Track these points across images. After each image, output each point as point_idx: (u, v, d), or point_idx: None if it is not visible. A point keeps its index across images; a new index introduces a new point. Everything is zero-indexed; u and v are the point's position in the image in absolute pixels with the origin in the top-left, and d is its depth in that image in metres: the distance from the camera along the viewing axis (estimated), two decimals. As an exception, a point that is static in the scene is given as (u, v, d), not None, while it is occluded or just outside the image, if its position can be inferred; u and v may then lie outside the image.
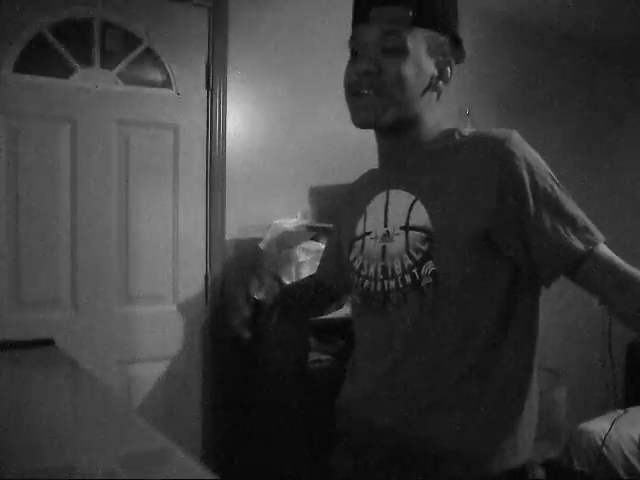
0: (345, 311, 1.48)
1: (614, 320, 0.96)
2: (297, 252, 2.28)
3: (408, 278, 0.99)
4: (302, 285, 1.41)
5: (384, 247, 1.04)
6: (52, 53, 2.21)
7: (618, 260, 0.93)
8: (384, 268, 1.03)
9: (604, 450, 2.46)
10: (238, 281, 1.12)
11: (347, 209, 1.21)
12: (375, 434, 1.05)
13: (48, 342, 1.87)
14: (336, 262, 1.25)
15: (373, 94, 0.99)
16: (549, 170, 0.97)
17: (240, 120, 2.55)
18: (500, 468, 0.97)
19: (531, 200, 0.93)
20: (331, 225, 1.44)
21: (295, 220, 2.47)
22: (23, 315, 2.18)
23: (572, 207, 0.95)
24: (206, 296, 2.51)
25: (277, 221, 2.45)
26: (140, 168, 2.37)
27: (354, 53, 1.03)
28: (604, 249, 0.94)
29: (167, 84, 2.42)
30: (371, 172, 1.21)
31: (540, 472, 2.54)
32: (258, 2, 2.57)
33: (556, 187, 0.95)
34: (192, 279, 2.48)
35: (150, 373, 2.41)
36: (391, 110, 1.00)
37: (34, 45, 2.17)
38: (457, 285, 0.97)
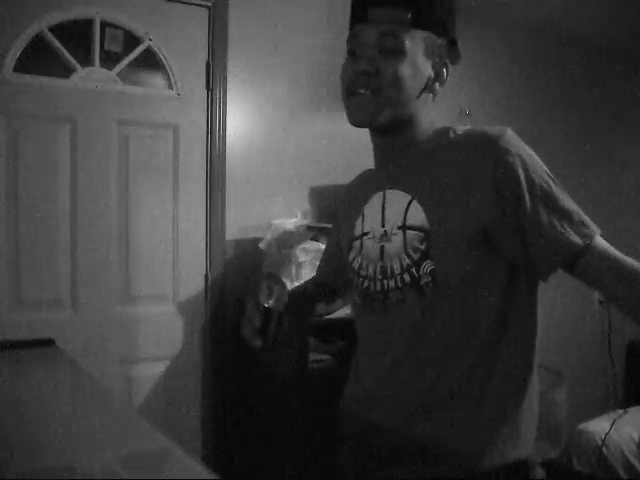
0: (345, 311, 1.49)
1: (614, 319, 0.96)
2: (297, 252, 2.28)
3: (407, 277, 1.00)
4: (306, 288, 1.41)
5: (382, 247, 1.05)
6: (52, 53, 2.21)
7: (615, 252, 0.94)
8: (383, 268, 1.04)
9: (604, 450, 2.46)
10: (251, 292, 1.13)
11: (345, 209, 1.22)
12: (377, 433, 1.05)
13: (48, 342, 1.87)
14: (337, 261, 1.25)
15: (370, 94, 1.00)
16: (544, 166, 0.98)
17: (240, 120, 2.55)
18: (502, 462, 0.98)
19: (527, 196, 0.93)
20: (331, 225, 1.44)
21: (295, 220, 2.47)
22: (23, 315, 2.18)
23: (568, 202, 0.96)
24: (206, 296, 2.51)
25: (277, 221, 2.45)
26: (140, 168, 2.37)
27: (351, 52, 1.03)
28: (601, 242, 0.95)
29: (167, 84, 2.42)
30: (367, 172, 1.22)
31: (540, 472, 2.54)
32: (258, 2, 2.57)
33: (551, 182, 0.96)
34: (192, 279, 2.48)
35: (150, 373, 2.41)
36: (387, 110, 1.00)
37: (34, 45, 2.17)
38: (456, 283, 0.97)
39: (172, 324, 2.45)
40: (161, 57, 2.39)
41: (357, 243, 1.11)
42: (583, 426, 2.61)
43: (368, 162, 1.16)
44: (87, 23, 2.26)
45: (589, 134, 3.69)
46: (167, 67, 2.41)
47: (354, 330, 1.16)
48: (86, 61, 2.27)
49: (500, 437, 0.98)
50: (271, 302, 1.07)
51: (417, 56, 1.00)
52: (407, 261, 1.00)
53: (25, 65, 2.16)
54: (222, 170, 2.50)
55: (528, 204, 0.93)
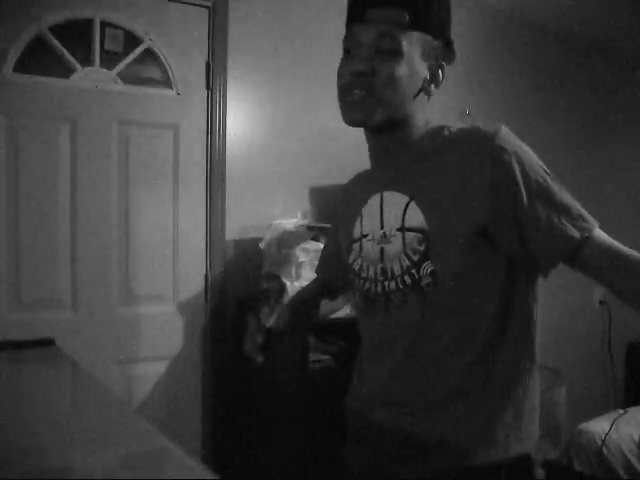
0: (345, 311, 1.49)
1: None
2: (297, 252, 2.28)
3: (408, 279, 1.00)
4: (306, 293, 1.41)
5: (382, 249, 1.05)
6: (52, 53, 2.21)
7: (615, 243, 0.95)
8: (383, 270, 1.04)
9: (604, 450, 2.46)
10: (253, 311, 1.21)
11: (343, 210, 1.23)
12: (380, 432, 1.06)
13: (48, 342, 1.87)
14: (336, 261, 1.26)
15: (365, 94, 0.99)
16: (540, 162, 0.98)
17: (240, 120, 2.55)
18: (505, 455, 0.99)
19: (524, 193, 0.94)
20: (330, 225, 1.44)
21: (295, 220, 2.47)
22: (23, 315, 2.18)
23: (565, 196, 0.96)
24: (206, 296, 2.51)
25: (277, 221, 2.45)
26: (140, 168, 2.37)
27: (347, 52, 1.03)
28: (600, 234, 0.95)
29: (167, 84, 2.42)
30: (364, 173, 1.22)
31: (540, 472, 2.54)
32: (258, 2, 2.57)
33: (548, 178, 0.96)
34: (192, 279, 2.48)
35: (150, 373, 2.41)
36: (381, 110, 1.00)
37: (34, 45, 2.17)
38: (456, 284, 0.98)
39: (172, 324, 2.45)
40: (161, 57, 2.39)
41: (356, 245, 1.12)
42: (583, 426, 2.61)
43: (368, 162, 1.17)
44: (87, 23, 2.26)
45: (589, 134, 3.69)
46: (167, 67, 2.41)
47: (354, 330, 1.17)
48: (86, 61, 2.27)
49: (502, 432, 0.99)
50: (272, 321, 1.11)
51: (414, 57, 1.00)
52: (407, 262, 1.00)
53: (25, 65, 2.16)
54: (222, 170, 2.50)
55: (525, 200, 0.93)
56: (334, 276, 1.32)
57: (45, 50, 2.20)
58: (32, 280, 2.20)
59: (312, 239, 2.36)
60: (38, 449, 1.03)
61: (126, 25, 2.32)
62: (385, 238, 1.05)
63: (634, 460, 2.42)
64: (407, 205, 1.02)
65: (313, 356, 2.29)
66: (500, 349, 0.99)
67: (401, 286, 1.01)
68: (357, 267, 1.11)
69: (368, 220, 1.10)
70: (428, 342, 1.00)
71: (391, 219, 1.04)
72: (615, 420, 2.55)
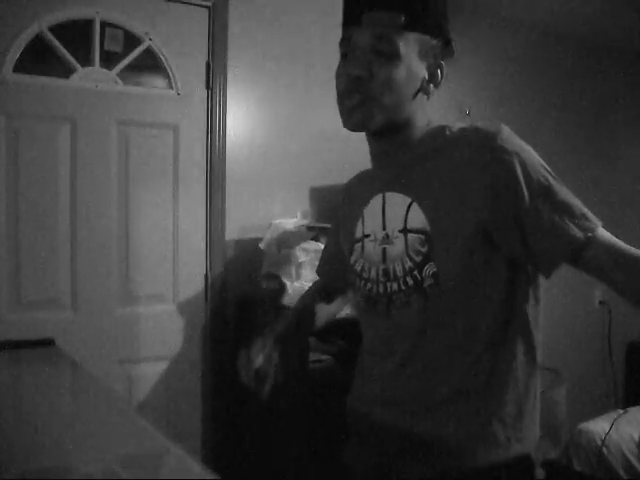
0: (345, 311, 1.49)
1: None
2: (297, 252, 2.28)
3: (410, 280, 1.00)
4: (311, 297, 1.40)
5: (384, 250, 1.05)
6: (52, 53, 2.21)
7: (619, 242, 0.94)
8: (385, 271, 1.04)
9: (604, 450, 2.46)
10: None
11: (344, 211, 1.22)
12: (382, 432, 1.06)
13: (48, 342, 1.87)
14: (337, 261, 1.25)
15: (363, 99, 0.99)
16: (542, 161, 0.97)
17: (240, 120, 2.55)
18: (506, 456, 0.99)
19: (525, 193, 0.93)
20: (331, 225, 1.44)
21: (295, 220, 2.47)
22: (23, 315, 2.18)
23: (567, 196, 0.95)
24: (206, 296, 2.51)
25: (277, 221, 2.45)
26: (140, 168, 2.37)
27: (345, 56, 1.02)
28: (603, 233, 0.94)
29: (167, 84, 2.42)
30: (365, 173, 1.21)
31: (540, 472, 2.54)
32: (258, 2, 2.57)
33: (550, 177, 0.95)
34: (192, 279, 2.48)
35: (150, 373, 2.41)
36: (381, 114, 1.00)
37: (34, 45, 2.17)
38: (459, 285, 0.98)
39: (172, 324, 2.45)
40: (161, 57, 2.39)
41: (358, 246, 1.11)
42: (583, 426, 2.61)
43: (368, 162, 1.16)
44: (87, 23, 2.26)
45: (589, 134, 3.69)
46: (167, 67, 2.41)
47: (354, 330, 1.17)
48: (86, 61, 2.27)
49: (503, 433, 0.99)
50: (260, 362, 1.14)
51: (412, 59, 0.99)
52: (409, 264, 1.00)
53: (25, 65, 2.16)
54: (222, 170, 2.50)
55: (527, 200, 0.93)
56: (335, 276, 1.31)
57: (45, 50, 2.20)
58: (32, 280, 2.20)
59: (312, 239, 2.36)
60: (38, 449, 1.03)
61: (126, 25, 2.32)
62: (387, 239, 1.04)
63: (634, 460, 2.42)
64: (409, 206, 1.02)
65: (313, 356, 2.29)
66: (501, 350, 0.99)
67: (403, 287, 1.01)
68: (359, 268, 1.10)
69: (370, 220, 1.09)
70: (430, 343, 1.01)
71: (393, 220, 1.04)
72: (615, 420, 2.55)
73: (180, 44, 2.42)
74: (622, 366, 3.84)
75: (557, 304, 3.24)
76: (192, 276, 2.48)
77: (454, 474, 1.00)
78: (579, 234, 0.92)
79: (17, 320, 2.16)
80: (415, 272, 0.99)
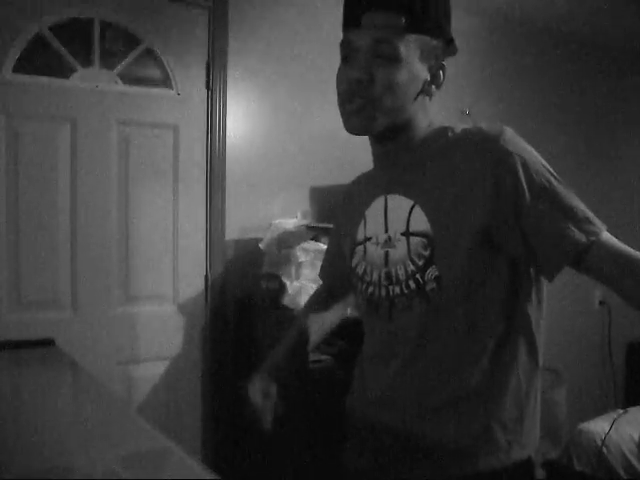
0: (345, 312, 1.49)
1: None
2: (297, 252, 2.28)
3: (412, 284, 1.00)
4: (316, 303, 1.40)
5: (386, 253, 1.04)
6: (52, 53, 2.21)
7: (623, 247, 0.93)
8: (388, 274, 1.04)
9: (604, 450, 2.46)
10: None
11: (345, 212, 1.22)
12: (382, 434, 1.06)
13: (48, 342, 1.87)
14: (339, 262, 1.25)
15: (364, 102, 0.98)
16: (545, 164, 0.97)
17: (240, 120, 2.55)
18: (507, 460, 0.99)
19: (528, 196, 0.92)
20: (331, 225, 1.44)
21: (295, 220, 2.47)
22: (23, 315, 2.18)
23: (571, 199, 0.94)
24: (206, 296, 2.51)
25: (277, 221, 2.45)
26: (140, 168, 2.37)
27: (345, 58, 1.01)
28: (607, 237, 0.93)
29: (167, 84, 2.42)
30: (367, 174, 1.21)
31: (540, 472, 2.54)
32: (258, 2, 2.57)
33: (553, 180, 0.95)
34: (192, 279, 2.48)
35: (150, 373, 2.41)
36: (382, 117, 0.99)
37: (34, 45, 2.17)
38: (461, 288, 0.97)
39: (172, 324, 2.45)
40: (161, 57, 2.39)
41: (360, 248, 1.11)
42: (583, 426, 2.61)
43: (368, 162, 1.16)
44: (87, 23, 2.26)
45: (589, 134, 3.69)
46: (167, 67, 2.40)
47: (354, 330, 1.17)
48: (86, 61, 2.27)
49: (504, 437, 0.99)
50: (259, 401, 1.17)
51: (413, 61, 0.98)
52: (412, 267, 1.00)
53: (25, 65, 2.16)
54: (222, 170, 2.50)
55: (529, 203, 0.92)
56: (338, 278, 1.30)
57: (45, 50, 2.20)
58: (32, 280, 2.20)
59: (312, 239, 2.36)
60: (38, 449, 1.03)
61: (126, 25, 2.32)
62: (390, 242, 1.04)
63: (634, 460, 2.42)
64: (411, 209, 1.01)
65: (313, 356, 2.29)
66: (503, 351, 0.99)
67: (406, 291, 1.01)
68: (361, 271, 1.10)
69: (372, 223, 1.09)
70: (431, 346, 1.00)
71: (395, 223, 1.03)
72: (615, 420, 2.55)
73: (180, 44, 2.41)
74: (622, 366, 3.84)
75: (557, 304, 3.23)
76: (192, 276, 2.48)
77: (455, 479, 0.99)
78: (582, 238, 0.91)
79: (17, 320, 2.15)
80: (417, 275, 0.99)
